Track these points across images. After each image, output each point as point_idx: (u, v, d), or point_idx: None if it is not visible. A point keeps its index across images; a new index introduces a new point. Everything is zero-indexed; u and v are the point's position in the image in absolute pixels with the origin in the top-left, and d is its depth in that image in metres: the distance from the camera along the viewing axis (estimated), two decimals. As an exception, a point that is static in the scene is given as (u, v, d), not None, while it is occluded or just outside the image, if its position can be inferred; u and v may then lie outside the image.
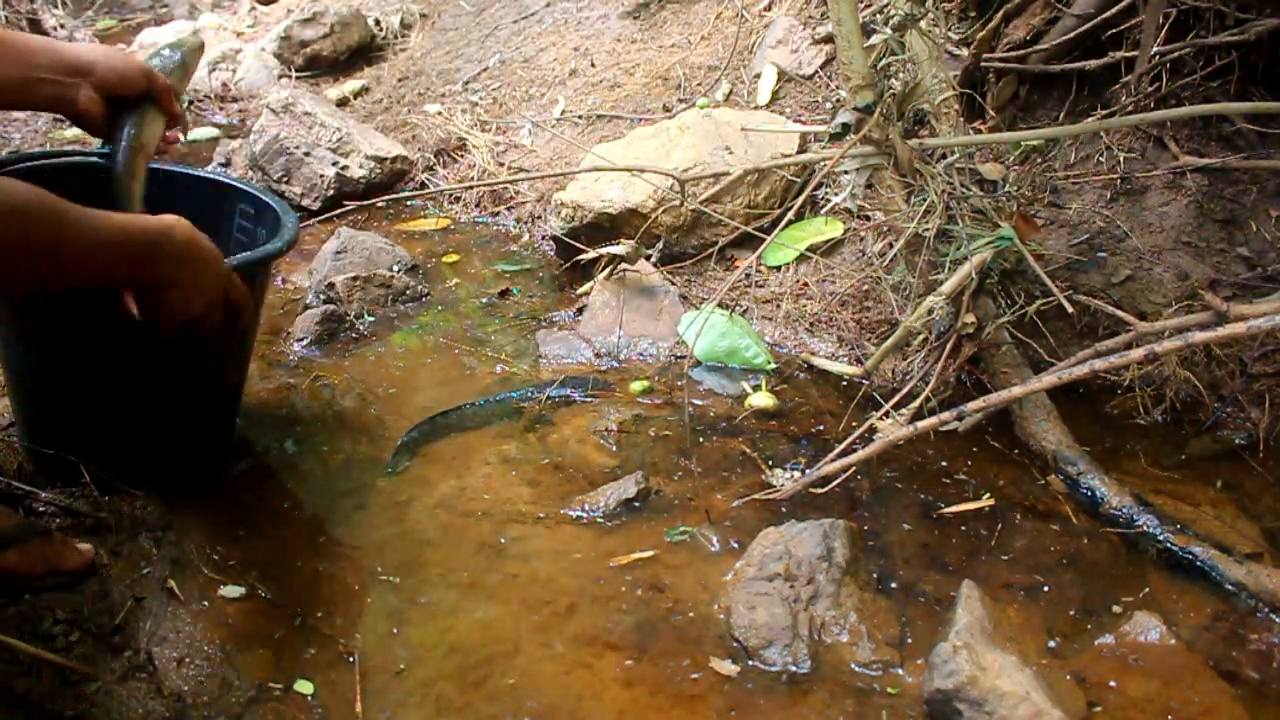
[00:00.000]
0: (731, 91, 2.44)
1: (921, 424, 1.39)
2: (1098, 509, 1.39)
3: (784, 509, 1.40)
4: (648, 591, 1.26)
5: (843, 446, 1.43)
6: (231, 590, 1.25)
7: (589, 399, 1.68)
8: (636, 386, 1.71)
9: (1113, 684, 1.11)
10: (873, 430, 1.44)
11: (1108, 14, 1.87)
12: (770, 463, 1.50)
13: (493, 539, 1.35)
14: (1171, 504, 1.40)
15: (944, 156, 1.62)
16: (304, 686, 1.12)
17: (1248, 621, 1.21)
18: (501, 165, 2.56)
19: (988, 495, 1.43)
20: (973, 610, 1.11)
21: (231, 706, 1.09)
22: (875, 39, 1.57)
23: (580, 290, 2.02)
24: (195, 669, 1.14)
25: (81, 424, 1.34)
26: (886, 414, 1.46)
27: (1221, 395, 1.61)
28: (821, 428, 1.61)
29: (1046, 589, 1.26)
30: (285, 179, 2.50)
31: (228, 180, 1.58)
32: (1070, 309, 1.52)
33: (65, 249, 0.97)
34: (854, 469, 1.42)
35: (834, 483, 1.40)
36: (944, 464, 1.51)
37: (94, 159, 1.39)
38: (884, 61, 1.58)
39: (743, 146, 2.08)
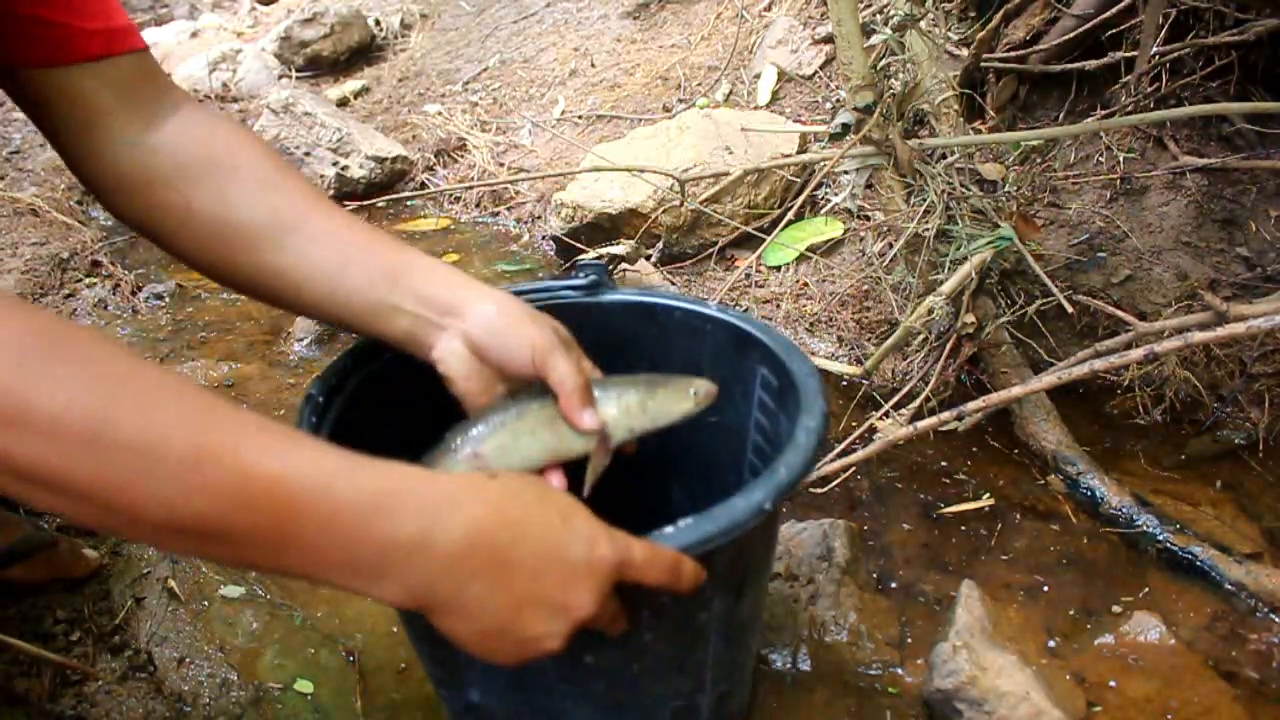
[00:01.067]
0: (731, 91, 2.44)
1: (921, 424, 1.39)
2: (1097, 509, 1.40)
3: (784, 509, 1.40)
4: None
5: (843, 446, 1.43)
6: (231, 590, 1.26)
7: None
8: None
9: (1112, 684, 1.11)
10: (873, 430, 1.44)
11: (1108, 14, 1.87)
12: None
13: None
14: (1171, 504, 1.40)
15: (944, 157, 1.62)
16: (304, 686, 1.12)
17: (1247, 621, 1.21)
18: (501, 165, 2.56)
19: (988, 495, 1.43)
20: (973, 610, 1.11)
21: (231, 706, 1.09)
22: (875, 39, 1.57)
23: (580, 290, 2.02)
24: (195, 669, 1.14)
25: None
26: (886, 414, 1.46)
27: (1221, 395, 1.61)
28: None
29: (1046, 589, 1.26)
30: (285, 179, 2.50)
31: (743, 325, 0.98)
32: (1070, 309, 1.52)
33: (288, 546, 0.59)
34: (854, 469, 1.42)
35: (834, 483, 1.40)
36: (944, 464, 1.51)
37: None
38: (884, 62, 1.58)
39: (743, 146, 2.08)
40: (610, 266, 1.95)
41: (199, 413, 0.59)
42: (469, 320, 0.85)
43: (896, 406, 1.48)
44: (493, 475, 0.67)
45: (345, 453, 0.62)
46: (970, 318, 1.52)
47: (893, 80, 1.55)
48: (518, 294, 0.94)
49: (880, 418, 1.46)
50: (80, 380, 0.56)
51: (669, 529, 0.68)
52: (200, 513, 0.57)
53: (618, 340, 1.01)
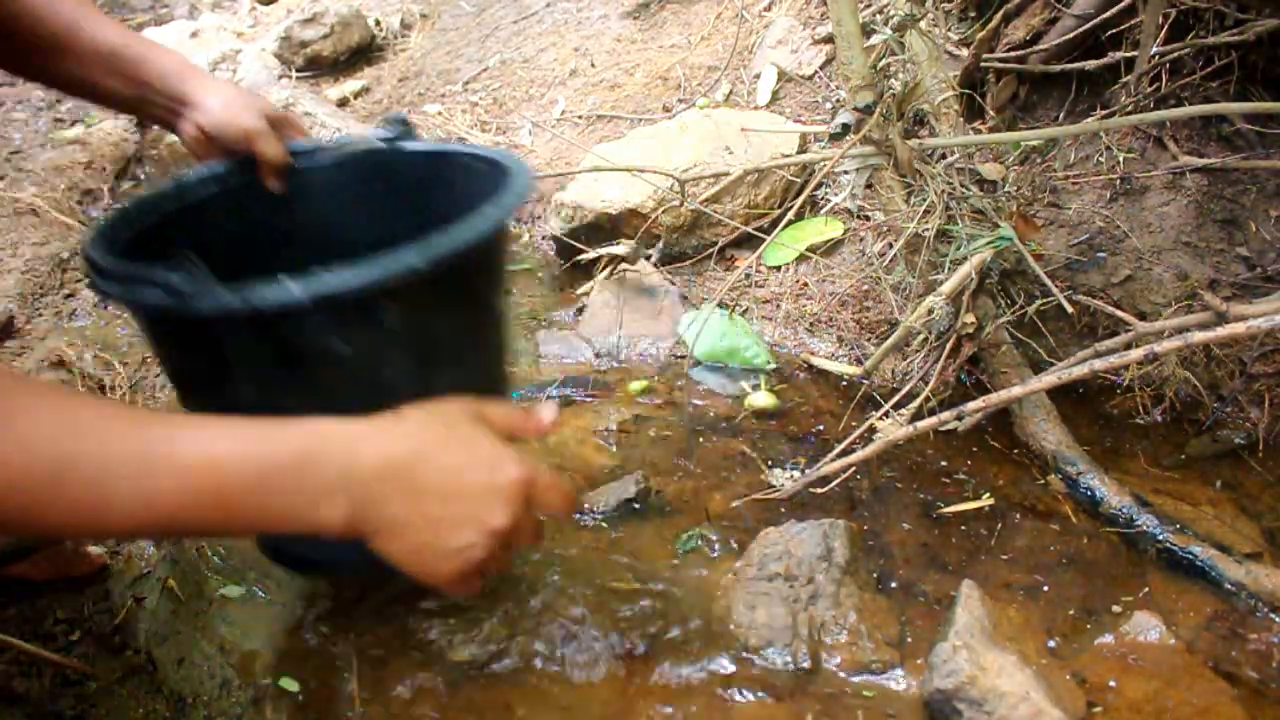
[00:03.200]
0: (731, 91, 2.44)
1: (921, 424, 1.39)
2: (1097, 509, 1.40)
3: (784, 509, 1.40)
4: (648, 590, 1.26)
5: (843, 446, 1.43)
6: (232, 590, 1.26)
7: (589, 398, 1.68)
8: (635, 386, 1.71)
9: (1112, 684, 1.11)
10: (873, 430, 1.44)
11: (1107, 14, 1.87)
12: (770, 463, 1.50)
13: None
14: (1171, 504, 1.40)
15: (944, 157, 1.63)
16: (305, 686, 1.12)
17: (1247, 621, 1.21)
18: (501, 165, 2.56)
19: (988, 495, 1.43)
20: (973, 610, 1.11)
21: (232, 706, 1.09)
22: (875, 39, 1.57)
23: (580, 290, 2.02)
24: (195, 669, 1.14)
25: None
26: (886, 414, 1.46)
27: (1221, 395, 1.61)
28: (821, 428, 1.61)
29: (1046, 589, 1.26)
30: (285, 179, 2.50)
31: (501, 160, 1.15)
32: (1070, 309, 1.52)
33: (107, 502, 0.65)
34: (854, 469, 1.42)
35: (834, 483, 1.40)
36: (944, 464, 1.51)
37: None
38: (884, 62, 1.58)
39: (743, 146, 2.08)
40: (610, 266, 1.95)
41: (136, 428, 0.67)
42: (200, 110, 1.16)
43: (896, 406, 1.48)
44: (401, 415, 0.77)
45: (265, 421, 0.71)
46: (970, 318, 1.52)
47: (893, 80, 1.55)
48: (339, 144, 1.25)
49: (880, 418, 1.46)
50: (38, 432, 0.63)
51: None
52: (158, 514, 0.67)
53: (421, 181, 1.25)
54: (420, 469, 0.74)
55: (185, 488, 0.67)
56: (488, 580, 0.83)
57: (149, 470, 0.66)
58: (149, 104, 1.17)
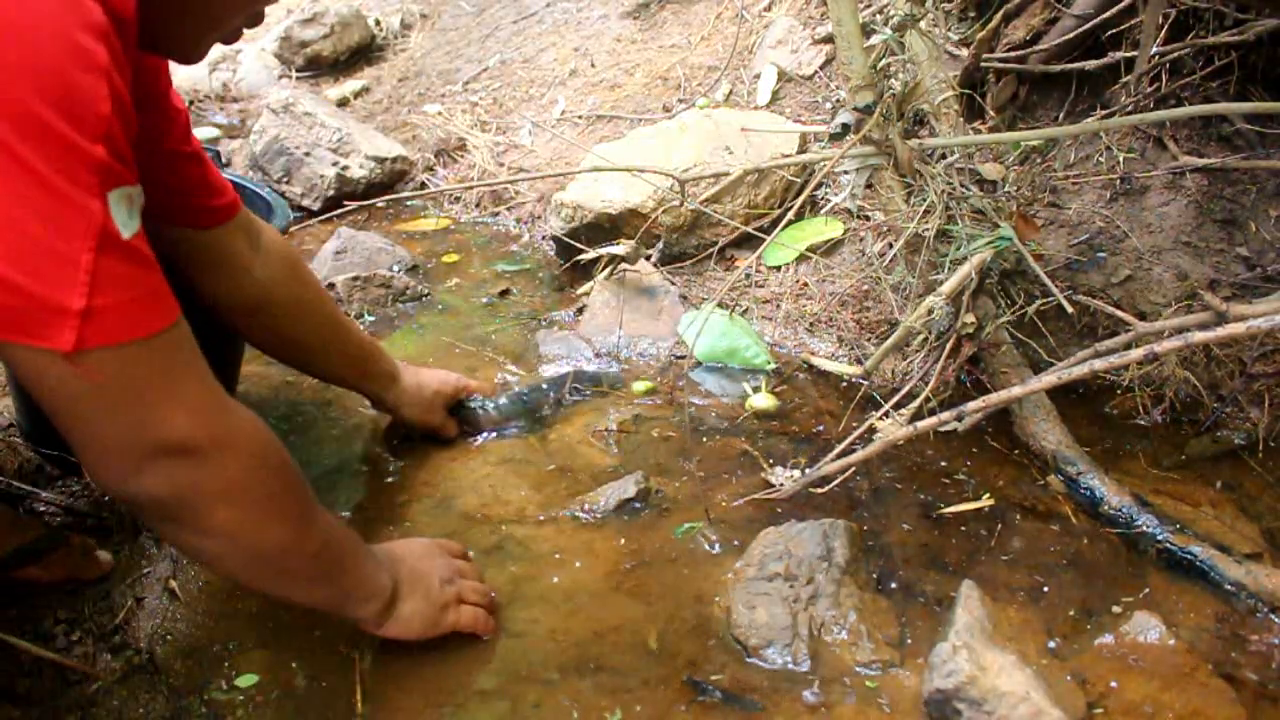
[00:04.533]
0: (731, 91, 2.45)
1: (921, 424, 1.39)
2: (1097, 509, 1.40)
3: (784, 509, 1.40)
4: (648, 591, 1.26)
5: (843, 446, 1.43)
6: (233, 590, 1.25)
7: (600, 394, 1.68)
8: (639, 387, 1.71)
9: (1113, 684, 1.11)
10: (873, 430, 1.44)
11: (1107, 14, 1.87)
12: (770, 462, 1.50)
13: (493, 539, 1.35)
14: (1171, 504, 1.40)
15: (944, 157, 1.62)
16: (307, 687, 1.12)
17: (1247, 621, 1.21)
18: (501, 165, 2.56)
19: (988, 495, 1.43)
20: (972, 610, 1.11)
21: (232, 707, 1.09)
22: (875, 39, 1.57)
23: (580, 290, 2.02)
24: (196, 669, 1.14)
25: None
26: (886, 414, 1.46)
27: (1221, 395, 1.61)
28: (821, 428, 1.61)
29: (1046, 589, 1.26)
30: (285, 179, 2.50)
31: (259, 191, 1.61)
32: (1070, 309, 1.52)
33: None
34: (854, 469, 1.42)
35: (834, 483, 1.40)
36: (944, 464, 1.51)
37: None
38: (884, 62, 1.58)
39: (743, 146, 2.08)
40: (610, 266, 1.95)
41: (342, 549, 1.07)
42: (401, 409, 1.53)
43: (896, 407, 1.48)
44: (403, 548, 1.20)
45: (350, 544, 1.10)
46: (970, 318, 1.52)
47: (893, 80, 1.55)
48: None
49: (880, 418, 1.46)
50: (289, 532, 0.99)
51: None
52: (319, 597, 1.07)
53: None
54: (416, 573, 1.16)
55: (348, 580, 1.08)
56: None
57: (333, 572, 1.06)
58: (366, 391, 1.52)
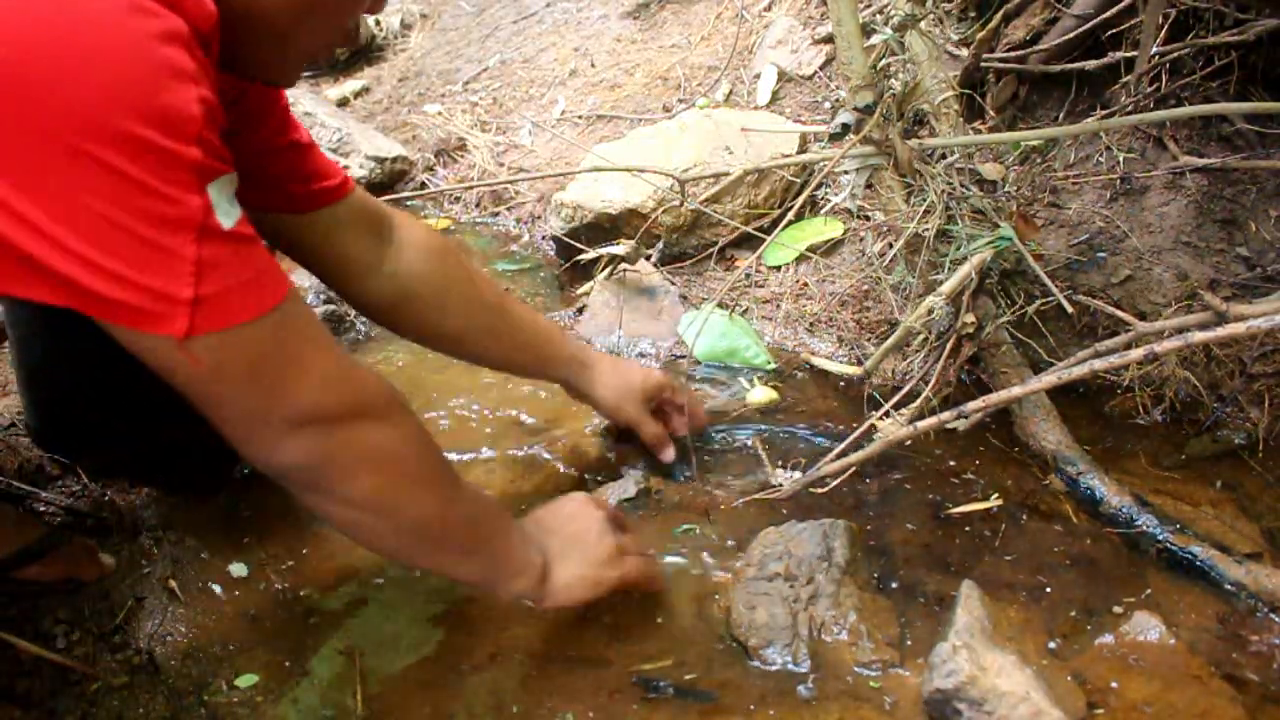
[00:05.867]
0: (731, 91, 2.44)
1: (921, 424, 1.39)
2: (1098, 509, 1.39)
3: (784, 509, 1.40)
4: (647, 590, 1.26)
5: (842, 446, 1.43)
6: (233, 590, 1.26)
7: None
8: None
9: (1113, 684, 1.11)
10: (873, 430, 1.44)
11: (1107, 14, 1.87)
12: (771, 462, 1.50)
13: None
14: (1171, 504, 1.40)
15: (944, 157, 1.62)
16: (307, 687, 1.12)
17: (1248, 622, 1.21)
18: (501, 165, 2.56)
19: (996, 495, 1.42)
20: (972, 610, 1.11)
21: (232, 707, 1.09)
22: (875, 39, 1.57)
23: (580, 290, 2.02)
24: (196, 669, 1.14)
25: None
26: (886, 414, 1.46)
27: (1221, 395, 1.61)
28: (821, 427, 1.61)
29: (1047, 589, 1.26)
30: (285, 179, 2.50)
31: None
32: (1070, 309, 1.52)
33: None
34: (854, 469, 1.42)
35: (834, 483, 1.40)
36: (944, 464, 1.51)
37: None
38: (884, 62, 1.58)
39: (743, 146, 2.08)
40: (610, 266, 1.95)
41: (489, 519, 1.07)
42: (594, 403, 1.49)
43: (897, 406, 1.48)
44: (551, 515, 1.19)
45: (496, 515, 1.10)
46: (970, 318, 1.52)
47: (893, 80, 1.55)
48: None
49: (880, 417, 1.46)
50: (434, 499, 0.99)
51: None
52: (469, 570, 1.07)
53: None
54: (567, 532, 1.15)
55: (496, 556, 1.07)
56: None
57: (482, 548, 1.06)
58: (551, 377, 1.47)
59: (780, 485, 1.44)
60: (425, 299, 1.32)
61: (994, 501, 1.42)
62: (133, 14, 0.73)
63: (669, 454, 1.50)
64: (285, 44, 0.93)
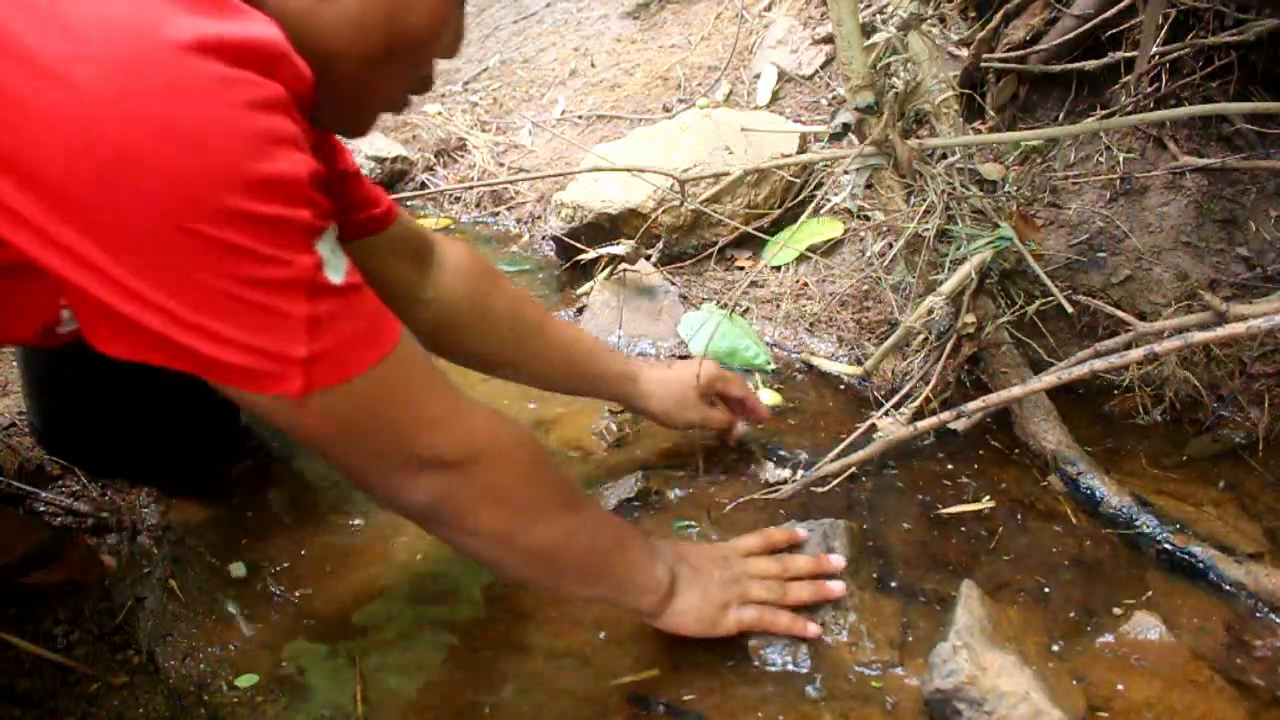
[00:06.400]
0: (731, 91, 2.45)
1: (921, 424, 1.39)
2: (1098, 509, 1.39)
3: (784, 509, 1.40)
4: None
5: (842, 446, 1.43)
6: (233, 590, 1.26)
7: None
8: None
9: (1114, 685, 1.11)
10: (873, 430, 1.44)
11: (1107, 14, 1.87)
12: (771, 462, 1.50)
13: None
14: (1172, 504, 1.40)
15: (945, 156, 1.62)
16: (306, 686, 1.12)
17: (1248, 622, 1.21)
18: (501, 165, 2.56)
19: (988, 499, 1.43)
20: (973, 610, 1.11)
21: (232, 707, 1.09)
22: (878, 36, 1.57)
23: (580, 290, 2.02)
24: (196, 669, 1.14)
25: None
26: (886, 414, 1.46)
27: (1221, 395, 1.61)
28: (821, 427, 1.61)
29: (1047, 589, 1.26)
30: (285, 179, 2.50)
31: None
32: (1070, 309, 1.52)
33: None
34: (854, 469, 1.42)
35: (834, 483, 1.40)
36: (944, 464, 1.51)
37: None
38: (884, 61, 1.58)
39: (743, 146, 2.08)
40: (610, 266, 1.95)
41: (614, 543, 1.07)
42: (649, 413, 1.48)
43: (896, 406, 1.48)
44: (689, 547, 1.19)
45: (628, 538, 1.10)
46: (970, 318, 1.52)
47: (894, 80, 1.55)
48: None
49: (880, 417, 1.46)
50: (555, 530, 1.00)
51: None
52: (595, 591, 1.09)
53: None
54: (698, 568, 1.15)
55: (623, 575, 1.08)
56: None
57: (605, 570, 1.07)
58: (601, 394, 1.46)
59: (781, 485, 1.44)
60: (465, 324, 1.32)
61: (987, 503, 1.41)
62: (228, 86, 0.72)
63: (740, 428, 1.53)
64: (363, 95, 0.93)
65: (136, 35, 0.69)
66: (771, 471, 1.48)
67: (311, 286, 0.78)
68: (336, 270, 0.80)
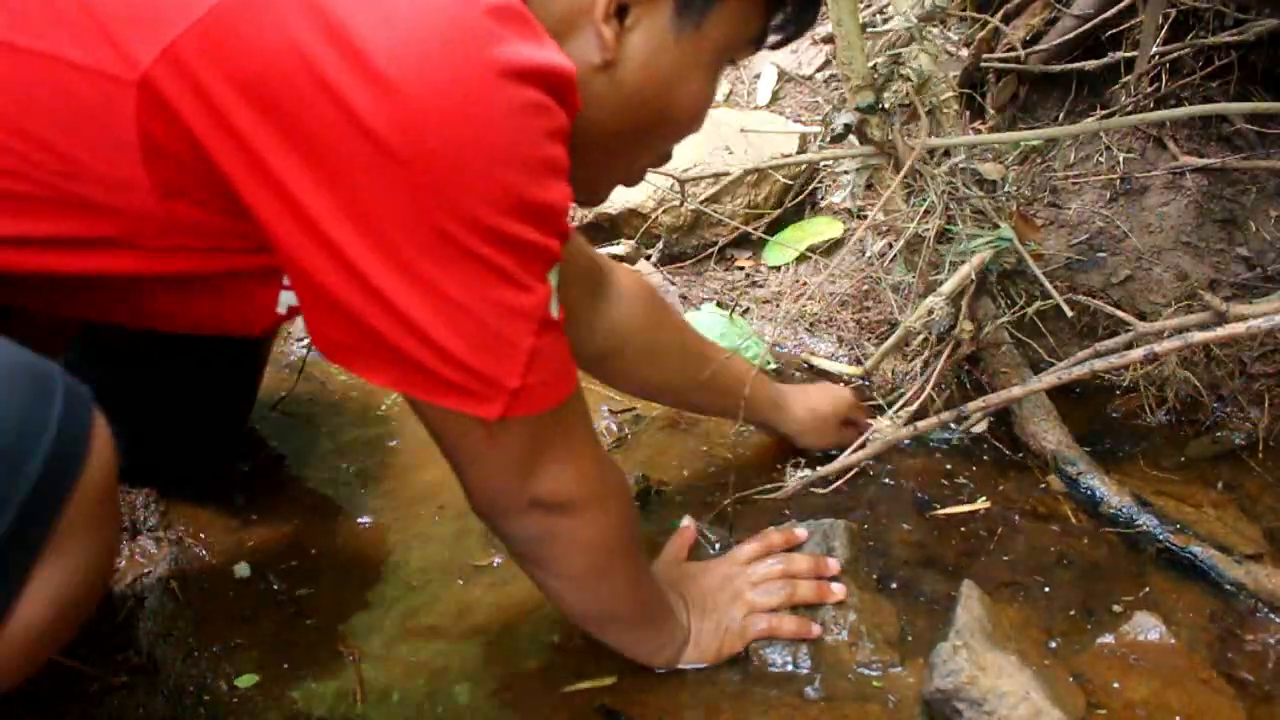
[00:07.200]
0: (731, 91, 2.44)
1: (921, 424, 1.39)
2: (1097, 509, 1.39)
3: (784, 509, 1.40)
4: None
5: (845, 451, 1.43)
6: (234, 590, 1.26)
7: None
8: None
9: (1113, 684, 1.11)
10: (873, 430, 1.44)
11: (1107, 14, 1.87)
12: (770, 462, 1.50)
13: (494, 539, 1.35)
14: (1171, 504, 1.40)
15: (947, 154, 1.62)
16: (307, 686, 1.12)
17: (1247, 622, 1.21)
18: (501, 165, 2.56)
19: (982, 500, 1.42)
20: (972, 610, 1.11)
21: (232, 707, 1.09)
22: (895, 23, 1.56)
23: (580, 290, 2.02)
24: (196, 669, 1.14)
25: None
26: (887, 419, 1.46)
27: (1221, 395, 1.61)
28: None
29: (1046, 589, 1.26)
30: (285, 179, 2.50)
31: None
32: (1070, 310, 1.52)
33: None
34: (854, 469, 1.42)
35: (835, 483, 1.40)
36: (944, 464, 1.51)
37: None
38: (885, 60, 1.57)
39: (743, 146, 2.08)
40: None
41: (660, 600, 1.09)
42: (789, 436, 1.49)
43: (896, 406, 1.48)
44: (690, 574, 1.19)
45: (663, 593, 1.11)
46: (969, 325, 1.52)
47: (903, 70, 1.55)
48: None
49: (880, 419, 1.46)
50: (627, 582, 1.03)
51: None
52: (631, 640, 1.09)
53: None
54: (709, 609, 1.15)
55: (662, 633, 1.10)
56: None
57: (651, 636, 1.09)
58: (748, 420, 1.43)
59: (781, 485, 1.44)
60: (636, 352, 1.33)
61: (983, 504, 1.41)
62: (536, 114, 0.73)
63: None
64: (608, 164, 0.94)
65: (463, 49, 0.70)
66: (773, 472, 1.47)
67: (543, 320, 0.79)
68: (555, 305, 0.81)
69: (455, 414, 0.81)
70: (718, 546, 1.33)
